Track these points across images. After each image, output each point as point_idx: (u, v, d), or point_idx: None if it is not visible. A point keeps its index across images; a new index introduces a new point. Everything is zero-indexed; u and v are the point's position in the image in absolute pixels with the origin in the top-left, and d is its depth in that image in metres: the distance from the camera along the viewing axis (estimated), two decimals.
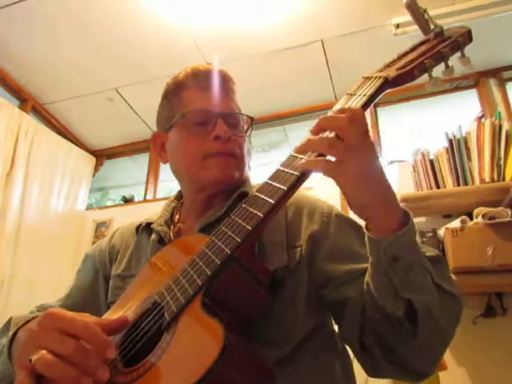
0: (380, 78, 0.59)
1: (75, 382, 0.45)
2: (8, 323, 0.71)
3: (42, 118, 2.77)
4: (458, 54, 0.63)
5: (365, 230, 0.56)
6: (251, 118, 0.82)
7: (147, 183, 2.95)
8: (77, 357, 0.46)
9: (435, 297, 0.54)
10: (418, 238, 0.55)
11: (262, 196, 0.56)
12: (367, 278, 0.58)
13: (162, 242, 0.78)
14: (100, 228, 2.75)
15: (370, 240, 0.55)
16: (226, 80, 0.80)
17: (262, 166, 3.08)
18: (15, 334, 0.61)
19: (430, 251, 0.60)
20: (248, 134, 0.82)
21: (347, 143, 0.50)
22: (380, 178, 0.53)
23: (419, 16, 0.65)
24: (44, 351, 0.46)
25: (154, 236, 0.79)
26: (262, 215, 0.54)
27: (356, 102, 0.57)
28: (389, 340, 0.57)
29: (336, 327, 0.73)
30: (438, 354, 0.59)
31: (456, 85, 2.40)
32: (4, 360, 0.60)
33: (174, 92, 0.80)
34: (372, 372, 0.63)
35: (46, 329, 0.49)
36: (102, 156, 3.14)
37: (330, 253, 0.68)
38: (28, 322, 0.63)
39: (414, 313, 0.53)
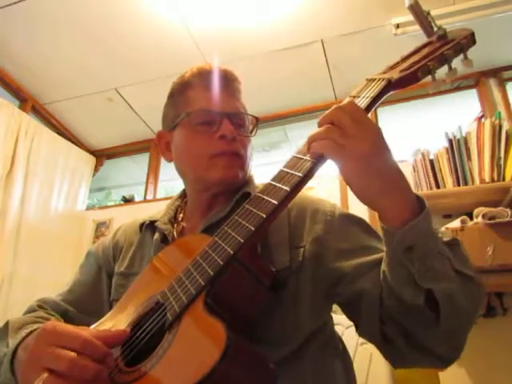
0: (383, 80, 0.59)
1: None
2: (5, 327, 0.70)
3: (41, 117, 2.76)
4: (461, 56, 0.62)
5: (378, 221, 0.55)
6: (256, 118, 0.82)
7: (147, 183, 2.95)
8: (73, 371, 0.46)
9: (456, 283, 0.53)
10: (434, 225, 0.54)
11: (265, 197, 0.56)
12: (383, 267, 0.57)
13: (165, 240, 0.78)
14: (100, 228, 2.75)
15: (383, 231, 0.54)
16: (231, 80, 0.80)
17: (262, 165, 3.08)
18: (18, 346, 0.61)
19: (447, 236, 0.58)
20: (253, 134, 0.82)
21: (343, 129, 0.50)
22: (386, 165, 0.51)
23: (422, 18, 0.65)
24: (45, 374, 0.46)
25: (157, 235, 0.79)
26: (264, 216, 0.54)
27: (359, 104, 0.56)
28: (410, 328, 0.56)
29: (338, 330, 0.73)
30: (461, 338, 0.57)
31: (456, 85, 2.40)
32: (5, 371, 0.60)
33: (180, 91, 0.80)
34: (397, 362, 0.62)
35: (43, 346, 0.49)
36: (102, 156, 3.14)
37: (336, 251, 0.68)
38: (28, 335, 0.63)
39: (434, 301, 0.52)
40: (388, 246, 0.54)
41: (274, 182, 0.57)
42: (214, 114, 0.75)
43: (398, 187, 0.52)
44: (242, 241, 0.54)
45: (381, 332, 0.59)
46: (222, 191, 0.77)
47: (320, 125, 0.54)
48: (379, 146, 0.51)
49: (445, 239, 0.57)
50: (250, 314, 0.56)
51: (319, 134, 0.53)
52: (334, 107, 0.53)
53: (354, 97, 0.59)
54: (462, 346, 0.58)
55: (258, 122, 0.82)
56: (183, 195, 0.88)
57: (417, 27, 0.68)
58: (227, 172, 0.74)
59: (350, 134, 0.50)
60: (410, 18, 0.70)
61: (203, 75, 0.79)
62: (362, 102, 0.57)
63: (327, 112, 0.54)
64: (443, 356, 0.57)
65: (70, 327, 0.51)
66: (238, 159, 0.76)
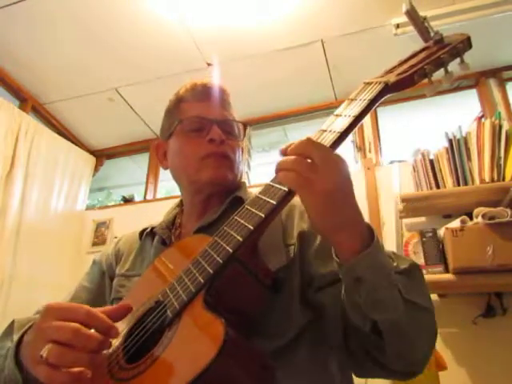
0: (380, 83, 0.60)
1: (89, 363, 0.48)
2: (11, 326, 0.72)
3: (41, 117, 2.76)
4: (458, 59, 0.64)
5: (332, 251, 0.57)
6: (244, 125, 0.89)
7: (147, 183, 2.95)
8: (77, 340, 0.48)
9: (402, 313, 0.54)
10: (385, 255, 0.55)
11: (264, 197, 0.57)
12: (342, 290, 0.59)
13: (164, 243, 0.83)
14: (100, 228, 2.75)
15: (335, 261, 0.56)
16: (221, 93, 0.88)
17: (262, 165, 3.08)
18: (22, 337, 0.61)
19: (404, 262, 0.61)
20: (242, 139, 0.88)
21: (312, 162, 0.51)
22: (346, 202, 0.52)
23: (419, 23, 0.67)
24: (50, 345, 0.48)
25: (156, 238, 0.85)
26: (263, 215, 0.55)
27: (357, 107, 0.58)
28: (367, 347, 0.59)
29: None
30: (416, 357, 0.59)
31: (456, 85, 2.40)
32: (10, 364, 0.60)
33: (175, 106, 0.88)
34: (359, 373, 0.66)
35: (47, 321, 0.51)
36: (101, 156, 3.14)
37: (317, 251, 0.70)
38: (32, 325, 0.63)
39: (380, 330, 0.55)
40: (340, 275, 0.56)
41: (273, 183, 0.58)
42: (205, 120, 0.82)
43: (354, 220, 0.53)
44: (241, 240, 0.55)
45: (344, 343, 0.62)
46: (214, 193, 0.82)
47: (289, 153, 0.54)
48: (344, 183, 0.52)
49: (401, 267, 0.59)
50: (249, 312, 0.57)
51: (286, 164, 0.53)
52: (304, 139, 0.54)
53: (352, 100, 0.61)
54: (420, 361, 0.60)
55: (246, 127, 0.90)
56: (180, 204, 0.94)
57: None
58: (216, 172, 0.80)
59: (319, 169, 0.50)
60: None
61: (195, 90, 0.87)
62: (360, 105, 0.58)
63: (297, 142, 0.54)
64: (402, 371, 0.60)
65: (73, 303, 0.54)
66: (227, 160, 0.81)
